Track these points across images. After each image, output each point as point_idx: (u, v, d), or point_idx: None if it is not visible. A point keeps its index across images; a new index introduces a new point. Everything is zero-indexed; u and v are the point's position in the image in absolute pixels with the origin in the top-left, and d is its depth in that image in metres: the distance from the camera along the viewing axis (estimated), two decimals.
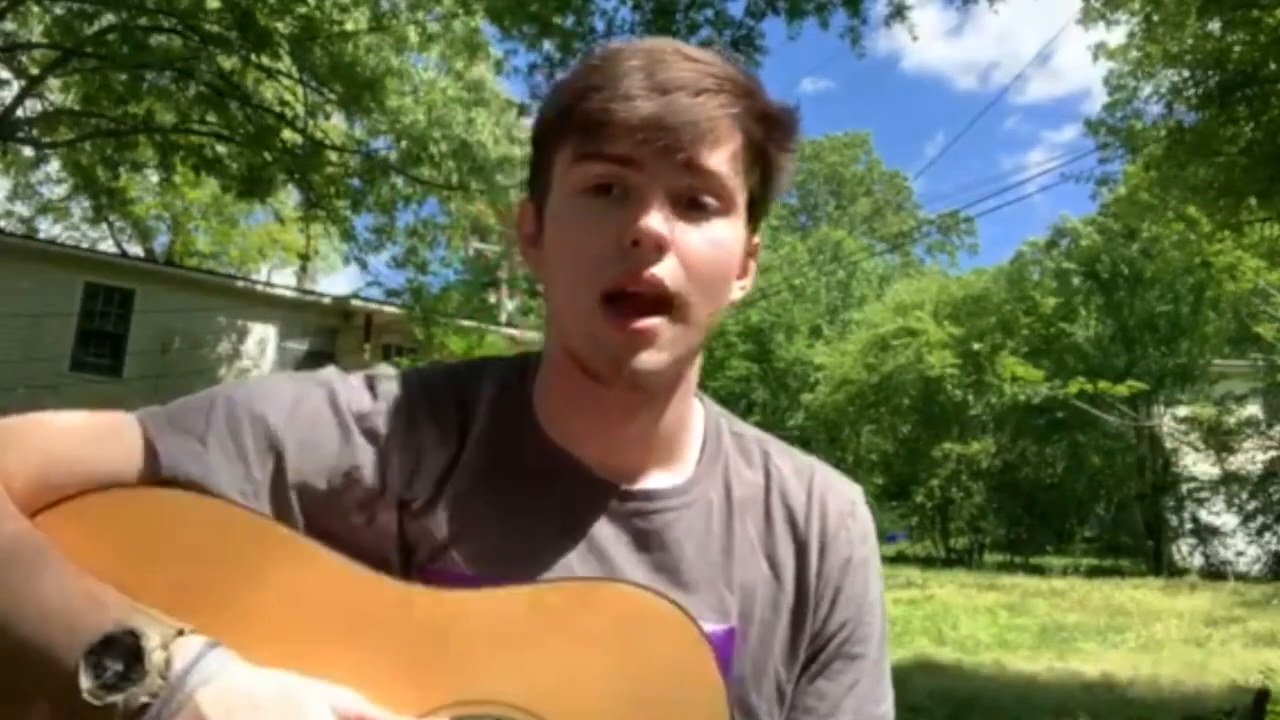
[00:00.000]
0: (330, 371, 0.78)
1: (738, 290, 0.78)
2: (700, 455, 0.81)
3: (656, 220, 0.68)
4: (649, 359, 0.69)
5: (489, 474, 0.75)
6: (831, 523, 0.82)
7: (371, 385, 0.77)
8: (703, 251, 0.70)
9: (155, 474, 0.69)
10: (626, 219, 0.68)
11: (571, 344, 0.73)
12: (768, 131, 0.74)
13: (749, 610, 0.77)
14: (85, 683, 0.58)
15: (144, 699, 0.57)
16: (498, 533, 0.73)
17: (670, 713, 0.66)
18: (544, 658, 0.66)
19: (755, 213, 0.77)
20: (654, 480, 0.78)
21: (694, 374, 0.79)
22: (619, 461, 0.77)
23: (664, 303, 0.69)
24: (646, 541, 0.76)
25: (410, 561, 0.72)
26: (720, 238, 0.72)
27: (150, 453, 0.70)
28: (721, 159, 0.71)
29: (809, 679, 0.80)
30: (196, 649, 0.60)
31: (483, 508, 0.74)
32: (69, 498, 0.67)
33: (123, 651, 0.58)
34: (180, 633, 0.60)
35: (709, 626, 0.73)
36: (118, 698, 0.57)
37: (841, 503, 0.84)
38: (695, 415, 0.82)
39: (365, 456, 0.73)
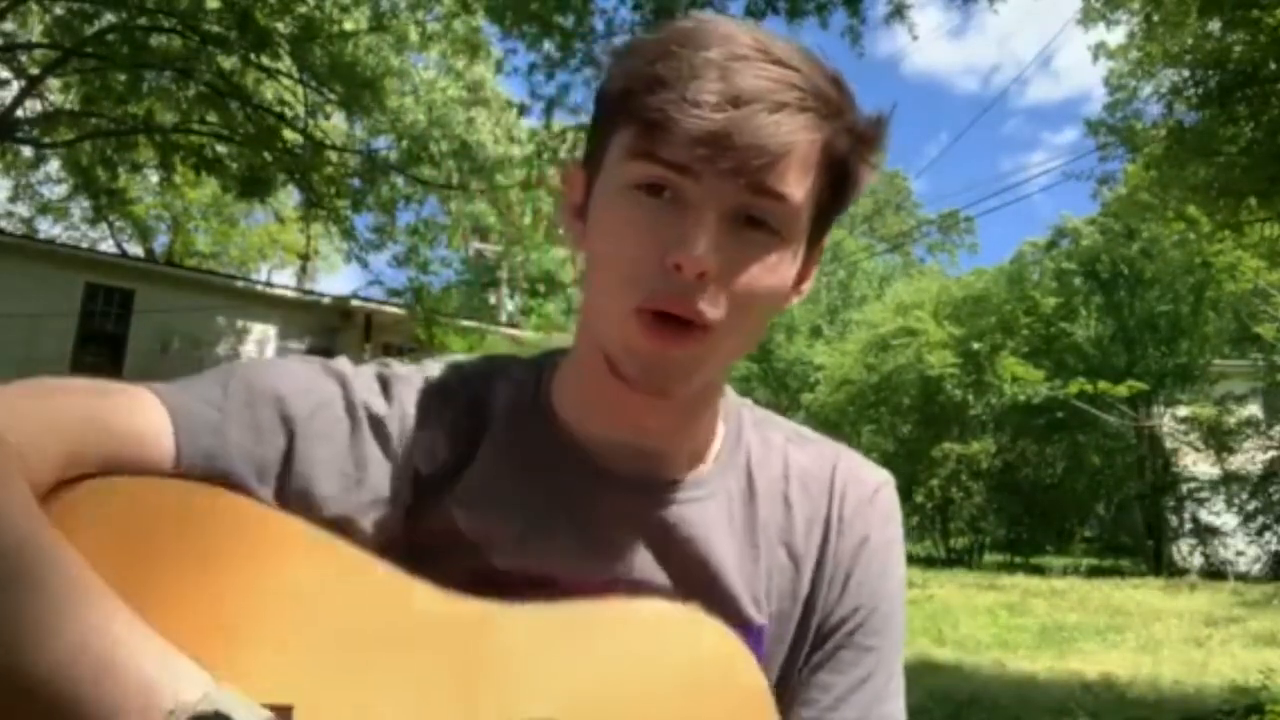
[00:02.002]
0: (343, 363, 0.75)
1: (794, 298, 0.75)
2: (721, 447, 0.78)
3: (703, 246, 0.63)
4: (680, 373, 0.67)
5: (505, 474, 0.73)
6: (849, 509, 0.78)
7: (385, 385, 0.74)
8: (750, 283, 0.66)
9: (177, 442, 0.65)
10: (673, 234, 0.63)
11: (604, 345, 0.69)
12: (853, 147, 0.68)
13: (771, 602, 0.75)
14: None
15: None
16: (514, 533, 0.71)
17: None
18: (595, 676, 0.65)
19: (822, 224, 0.72)
20: (676, 473, 0.76)
21: (724, 376, 0.77)
22: (642, 453, 0.74)
23: (701, 328, 0.65)
24: (672, 535, 0.73)
25: (418, 565, 0.68)
26: (774, 264, 0.67)
27: (173, 419, 0.66)
28: (792, 183, 0.65)
29: (812, 669, 0.75)
30: None
31: (498, 509, 0.72)
32: (90, 476, 0.61)
33: None
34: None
35: (748, 621, 0.72)
36: None
37: (863, 490, 0.80)
38: (718, 409, 0.79)
39: (374, 458, 0.71)
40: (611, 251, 0.67)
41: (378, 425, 0.72)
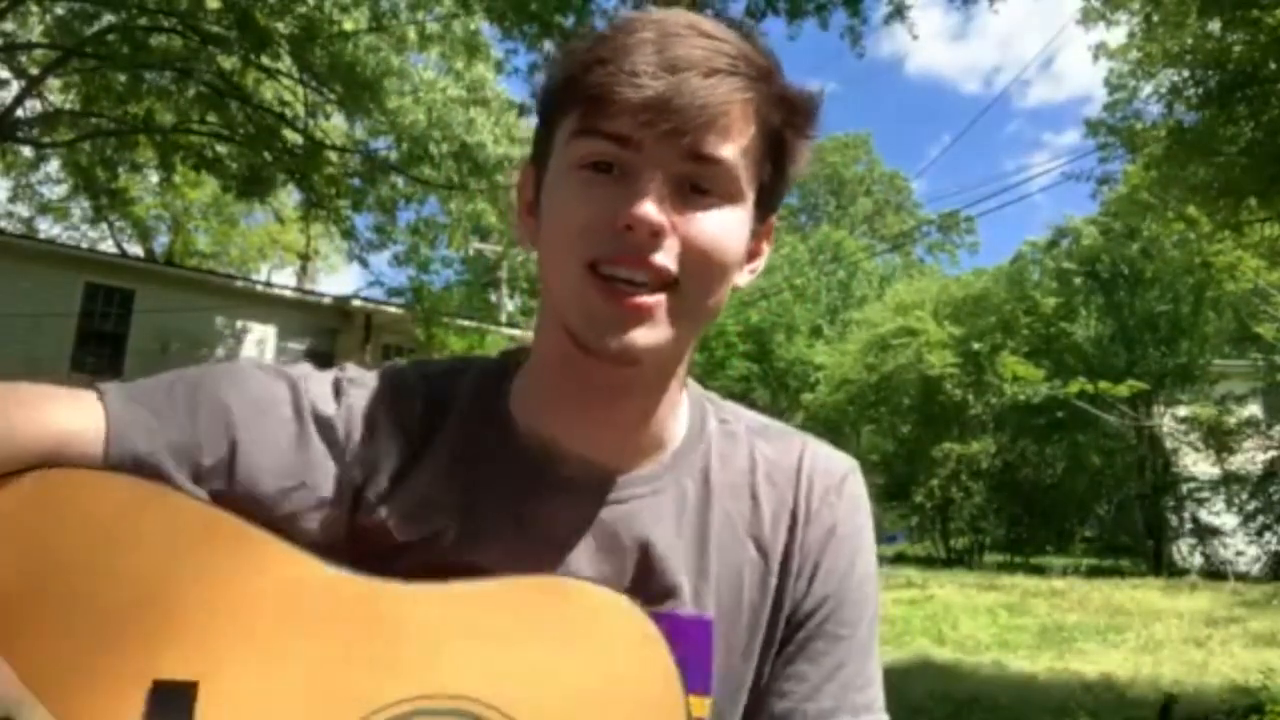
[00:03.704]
0: (301, 369, 0.77)
1: (746, 274, 0.76)
2: (682, 443, 0.78)
3: (651, 207, 0.65)
4: (645, 335, 0.67)
5: (452, 475, 0.73)
6: (816, 498, 0.79)
7: (338, 389, 0.75)
8: (704, 238, 0.68)
9: (107, 443, 0.68)
10: (622, 200, 0.65)
11: (564, 315, 0.70)
12: (785, 117, 0.71)
13: (736, 598, 0.75)
14: None
15: None
16: (455, 535, 0.72)
17: (629, 709, 0.66)
18: (508, 653, 0.66)
19: (768, 198, 0.74)
20: (628, 469, 0.76)
21: (687, 361, 0.77)
22: (601, 449, 0.75)
23: (666, 285, 0.67)
24: (616, 531, 0.73)
25: (360, 560, 0.69)
26: (723, 224, 0.69)
27: (107, 421, 0.68)
28: (730, 146, 0.67)
29: (786, 660, 0.76)
30: None
31: (441, 510, 0.72)
32: (29, 468, 0.65)
33: None
34: None
35: (685, 612, 0.73)
36: None
37: (829, 478, 0.80)
38: (682, 402, 0.80)
39: (319, 461, 0.72)
40: (563, 224, 0.69)
41: (325, 427, 0.73)
